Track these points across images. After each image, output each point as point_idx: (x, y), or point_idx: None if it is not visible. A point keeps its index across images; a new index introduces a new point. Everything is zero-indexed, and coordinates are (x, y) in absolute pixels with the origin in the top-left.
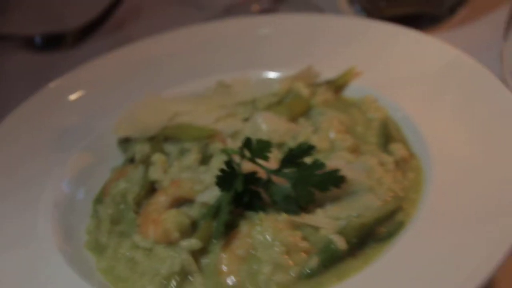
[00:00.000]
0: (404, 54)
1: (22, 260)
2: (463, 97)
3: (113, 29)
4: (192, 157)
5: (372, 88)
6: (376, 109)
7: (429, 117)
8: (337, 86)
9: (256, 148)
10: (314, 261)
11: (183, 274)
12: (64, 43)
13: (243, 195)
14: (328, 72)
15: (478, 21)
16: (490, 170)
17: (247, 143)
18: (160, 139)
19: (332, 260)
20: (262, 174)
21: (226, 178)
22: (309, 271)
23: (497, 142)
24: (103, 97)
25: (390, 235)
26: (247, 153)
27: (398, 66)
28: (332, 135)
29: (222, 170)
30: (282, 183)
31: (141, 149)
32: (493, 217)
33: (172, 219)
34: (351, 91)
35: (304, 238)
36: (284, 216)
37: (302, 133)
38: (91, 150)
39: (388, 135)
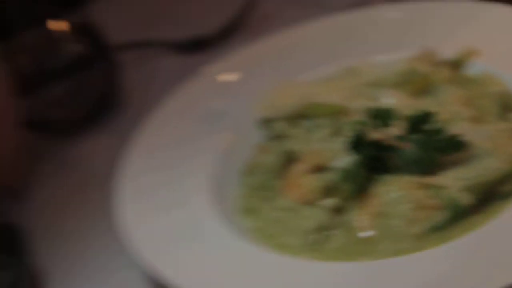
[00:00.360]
0: None
1: (183, 219)
2: None
3: (246, 32)
4: (325, 130)
5: (491, 66)
6: (496, 83)
7: None
8: (456, 64)
9: (382, 116)
10: (441, 216)
11: (323, 230)
12: (206, 46)
13: (372, 161)
14: (448, 53)
15: None
16: None
17: (374, 112)
18: (297, 117)
19: (458, 215)
20: (389, 141)
21: (356, 144)
22: (437, 225)
23: None
24: (246, 82)
25: None
26: (374, 122)
27: None
28: (453, 107)
29: (353, 137)
30: (409, 148)
31: (280, 126)
32: None
33: (311, 182)
34: (470, 69)
35: (431, 196)
36: (411, 178)
37: (424, 107)
38: (236, 129)
39: (507, 105)
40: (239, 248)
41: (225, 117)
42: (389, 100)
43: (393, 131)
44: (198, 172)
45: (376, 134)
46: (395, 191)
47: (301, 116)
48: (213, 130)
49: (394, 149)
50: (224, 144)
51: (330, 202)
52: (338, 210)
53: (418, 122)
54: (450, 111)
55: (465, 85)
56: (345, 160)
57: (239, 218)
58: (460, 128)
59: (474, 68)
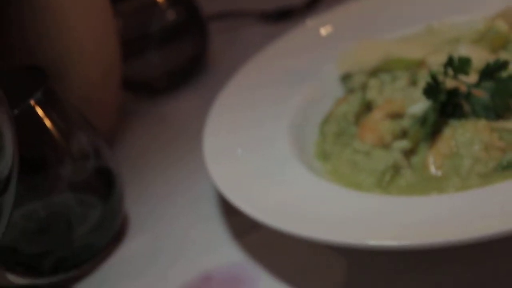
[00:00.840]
0: None
1: (264, 159)
2: None
3: (329, 3)
4: (403, 81)
5: None
6: None
7: None
8: None
9: (458, 64)
10: (509, 156)
11: (396, 169)
12: (293, 16)
13: (445, 106)
14: None
15: None
16: None
17: (450, 61)
18: (376, 71)
19: None
20: (463, 89)
21: (431, 90)
22: (504, 165)
23: None
24: (331, 41)
25: None
26: (450, 71)
27: None
28: None
29: (428, 83)
30: (481, 95)
31: (360, 79)
32: None
33: (387, 126)
34: None
35: (501, 138)
36: (483, 122)
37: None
38: (319, 84)
39: None
40: (314, 185)
41: (309, 74)
42: (467, 53)
43: (468, 79)
44: (281, 120)
45: (451, 82)
46: (465, 134)
47: (381, 70)
48: (297, 85)
49: (468, 96)
50: (307, 97)
51: (402, 144)
52: (410, 152)
53: (493, 70)
54: None
55: None
56: (419, 105)
57: (316, 161)
58: None
59: None
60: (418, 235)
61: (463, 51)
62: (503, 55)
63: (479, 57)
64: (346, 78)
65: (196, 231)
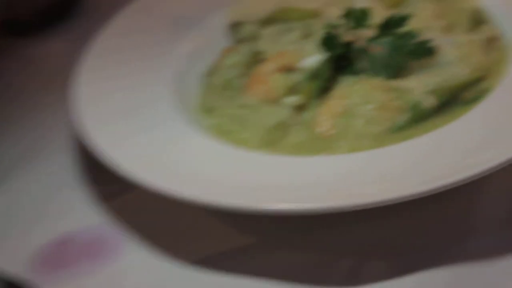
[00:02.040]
0: None
1: (142, 115)
2: None
3: None
4: (297, 33)
5: None
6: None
7: None
8: None
9: (357, 16)
10: (404, 117)
11: (285, 126)
12: None
13: (340, 60)
14: None
15: None
16: None
17: (349, 12)
18: (268, 21)
19: (420, 116)
20: (360, 43)
21: (328, 42)
22: (397, 126)
23: None
24: None
25: (475, 99)
26: (347, 23)
27: None
28: (425, 19)
29: (325, 33)
30: (379, 51)
31: (249, 29)
32: None
33: (278, 80)
34: None
35: (394, 98)
36: (378, 80)
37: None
38: (204, 34)
39: (478, 19)
40: (194, 141)
41: (195, 21)
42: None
43: (366, 33)
44: (162, 69)
45: (348, 36)
46: (359, 92)
47: (273, 20)
48: (181, 32)
49: (364, 51)
50: (191, 45)
51: (293, 99)
52: (300, 108)
53: (391, 25)
54: (422, 21)
55: (439, 1)
56: (313, 58)
57: (198, 116)
58: (430, 36)
59: None
60: (304, 198)
61: (359, 5)
62: (400, 11)
63: (377, 12)
64: (235, 26)
65: (61, 191)
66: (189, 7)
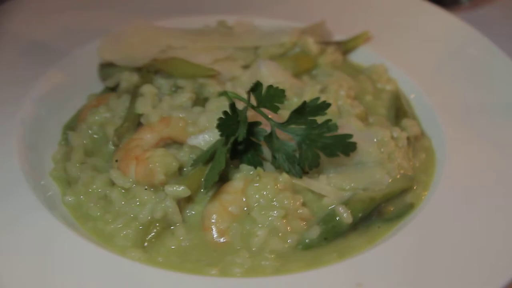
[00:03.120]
0: (419, 27)
1: None
2: (475, 74)
3: None
4: (186, 95)
5: (382, 57)
6: (387, 80)
7: (441, 94)
8: (347, 48)
9: (267, 95)
10: (314, 232)
11: (165, 223)
12: None
13: (242, 145)
14: (339, 34)
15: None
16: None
17: (256, 87)
18: (151, 70)
19: (334, 233)
20: (266, 126)
21: (228, 123)
22: (308, 242)
23: None
24: (89, 14)
25: (398, 216)
26: (254, 100)
27: (411, 38)
28: (340, 98)
29: (225, 113)
30: (287, 139)
31: (128, 78)
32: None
33: (159, 159)
34: (360, 57)
35: (305, 204)
36: (285, 177)
37: (308, 90)
38: (67, 70)
39: (399, 109)
40: (41, 231)
41: (57, 54)
42: (268, 74)
43: (277, 115)
44: (10, 117)
45: (251, 113)
46: (261, 190)
47: (157, 70)
48: (38, 66)
49: (272, 138)
50: (47, 88)
51: (178, 189)
52: (186, 200)
53: (311, 111)
54: (337, 104)
55: (354, 75)
56: (205, 138)
57: (54, 186)
58: (348, 127)
59: (364, 57)
60: None
61: (263, 69)
62: (309, 82)
63: (282, 81)
64: (106, 69)
65: None
66: (57, 31)
